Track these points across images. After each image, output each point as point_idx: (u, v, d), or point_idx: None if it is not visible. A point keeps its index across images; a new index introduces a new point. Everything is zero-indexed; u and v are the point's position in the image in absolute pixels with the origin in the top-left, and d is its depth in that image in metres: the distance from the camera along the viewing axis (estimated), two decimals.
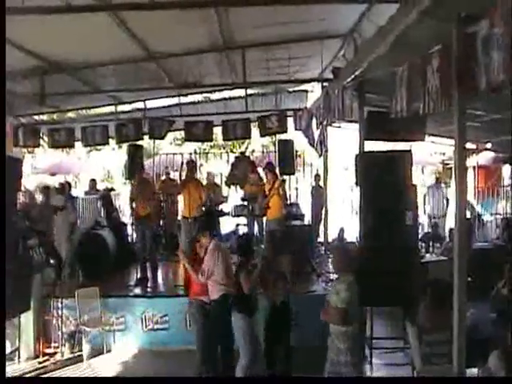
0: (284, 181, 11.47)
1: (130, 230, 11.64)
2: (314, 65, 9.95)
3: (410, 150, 7.60)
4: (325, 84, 9.45)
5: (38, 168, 19.24)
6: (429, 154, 18.15)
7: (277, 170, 11.37)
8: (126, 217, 12.37)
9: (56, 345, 8.09)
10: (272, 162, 11.67)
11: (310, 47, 8.83)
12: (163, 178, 12.56)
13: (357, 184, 7.54)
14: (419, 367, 5.44)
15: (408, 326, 5.97)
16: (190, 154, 16.06)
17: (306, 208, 13.54)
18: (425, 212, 13.56)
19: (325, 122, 10.02)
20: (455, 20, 3.76)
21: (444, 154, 19.45)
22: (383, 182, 6.97)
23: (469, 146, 12.71)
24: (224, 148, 23.29)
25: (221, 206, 12.01)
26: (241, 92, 12.77)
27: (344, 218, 14.99)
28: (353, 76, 6.95)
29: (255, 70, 9.41)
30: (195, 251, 6.99)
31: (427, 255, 10.77)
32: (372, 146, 8.32)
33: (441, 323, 5.16)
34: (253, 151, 20.06)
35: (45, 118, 13.11)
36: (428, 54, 4.04)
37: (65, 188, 11.67)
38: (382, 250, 6.91)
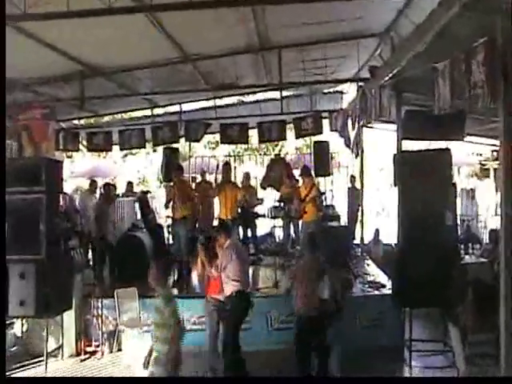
0: (321, 193, 11.38)
1: (166, 231, 11.71)
2: (349, 65, 9.87)
3: (448, 149, 7.45)
4: (361, 85, 9.38)
5: (76, 172, 19.59)
6: (466, 155, 17.78)
7: (312, 172, 11.34)
8: (163, 219, 12.45)
9: (97, 343, 8.18)
10: (308, 166, 11.61)
11: (346, 47, 8.77)
12: (199, 180, 12.58)
13: (395, 184, 7.43)
14: (463, 369, 5.33)
15: (450, 327, 5.87)
16: (226, 156, 16.14)
17: (341, 209, 13.46)
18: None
19: (361, 122, 9.96)
20: (500, 12, 3.68)
21: (481, 155, 19.07)
22: (422, 182, 6.86)
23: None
24: (258, 151, 23.35)
25: (256, 208, 12.02)
26: (276, 94, 12.76)
27: (380, 219, 14.86)
28: (390, 74, 6.88)
29: (291, 70, 9.37)
30: (214, 250, 7.22)
31: (466, 257, 10.60)
32: (410, 145, 8.23)
33: (484, 323, 5.05)
34: (286, 154, 20.06)
35: (83, 122, 13.30)
36: (472, 47, 3.96)
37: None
38: (421, 250, 6.81)
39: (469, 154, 18.40)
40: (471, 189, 15.47)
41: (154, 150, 16.68)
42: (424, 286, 6.61)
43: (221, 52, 8.54)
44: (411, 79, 6.66)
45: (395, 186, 7.36)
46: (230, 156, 17.19)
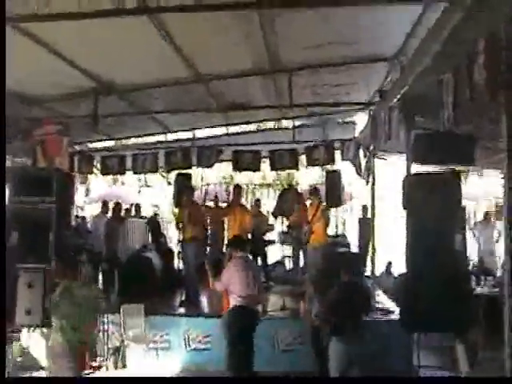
0: (328, 207, 11.40)
1: (176, 254, 11.74)
2: (360, 92, 9.92)
3: (458, 171, 7.45)
4: (371, 110, 9.49)
5: (90, 198, 19.73)
6: (482, 191, 17.56)
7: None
8: (173, 243, 12.50)
9: (102, 359, 8.15)
10: (317, 187, 11.70)
11: (357, 72, 8.82)
12: (210, 205, 12.63)
13: (404, 207, 7.40)
14: None
15: (457, 344, 5.79)
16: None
17: (353, 239, 13.46)
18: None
19: (372, 149, 10.03)
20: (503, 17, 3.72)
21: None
22: (431, 204, 6.83)
23: None
24: (271, 186, 23.45)
25: (267, 235, 12.04)
26: (288, 123, 12.92)
27: (392, 251, 14.74)
28: (399, 95, 6.94)
29: (301, 94, 9.42)
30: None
31: (478, 288, 10.45)
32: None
33: (492, 341, 4.97)
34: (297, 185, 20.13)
35: (97, 145, 13.45)
36: (473, 50, 4.01)
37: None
38: (430, 274, 6.72)
39: (484, 190, 18.18)
40: (486, 212, 15.18)
41: (169, 183, 16.79)
42: (434, 312, 6.50)
43: (231, 73, 8.59)
44: (420, 100, 6.71)
45: (404, 208, 7.33)
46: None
